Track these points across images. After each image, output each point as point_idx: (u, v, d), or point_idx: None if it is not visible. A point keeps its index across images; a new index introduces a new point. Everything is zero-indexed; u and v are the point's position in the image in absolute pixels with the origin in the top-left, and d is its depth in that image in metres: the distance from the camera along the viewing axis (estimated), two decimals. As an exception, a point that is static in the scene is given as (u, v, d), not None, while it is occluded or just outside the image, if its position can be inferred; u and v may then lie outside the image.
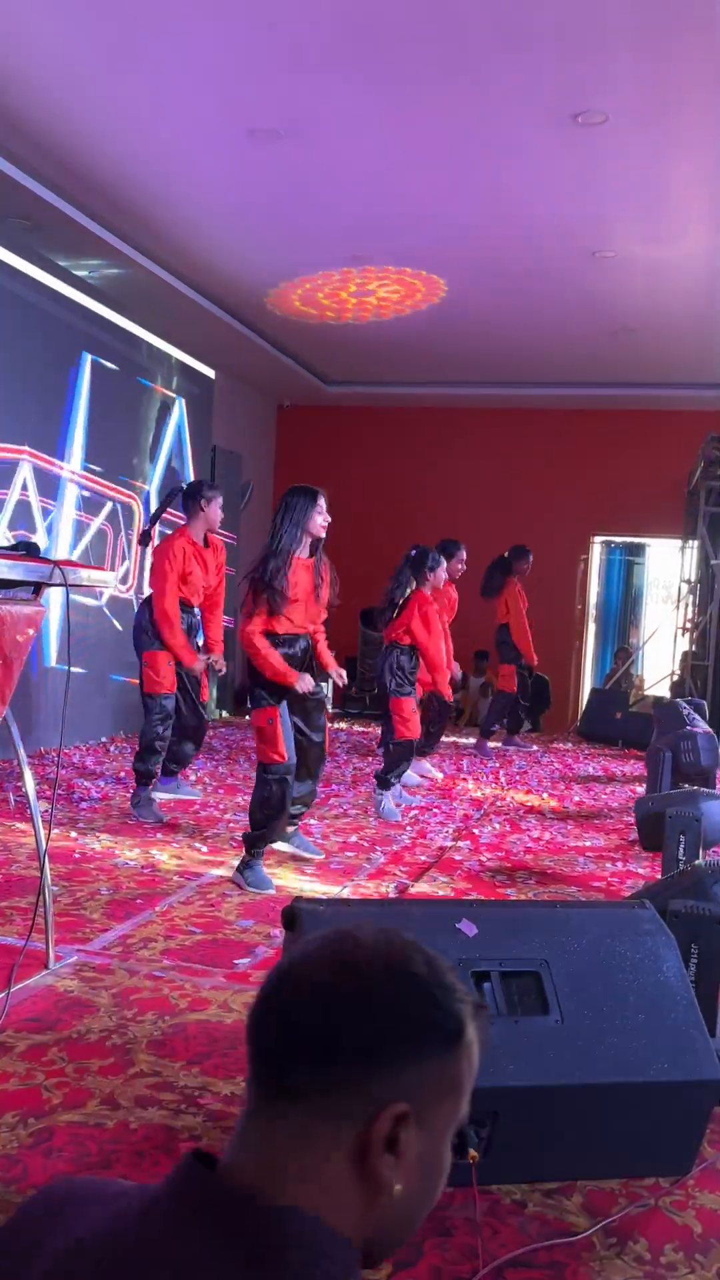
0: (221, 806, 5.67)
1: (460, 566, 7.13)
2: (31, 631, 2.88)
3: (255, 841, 4.19)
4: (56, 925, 3.24)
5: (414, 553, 6.05)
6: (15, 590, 2.82)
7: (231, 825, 5.15)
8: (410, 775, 6.60)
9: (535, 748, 8.90)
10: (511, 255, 7.65)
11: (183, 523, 5.56)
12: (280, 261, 8.03)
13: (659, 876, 4.50)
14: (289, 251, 7.81)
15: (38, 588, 2.89)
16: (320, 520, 4.24)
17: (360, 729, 9.42)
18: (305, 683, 4.16)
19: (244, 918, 3.72)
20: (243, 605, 4.25)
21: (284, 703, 4.20)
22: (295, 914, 2.17)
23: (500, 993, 2.10)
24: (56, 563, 2.74)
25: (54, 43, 5.09)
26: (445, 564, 6.23)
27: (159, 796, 5.59)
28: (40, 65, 5.31)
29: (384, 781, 5.72)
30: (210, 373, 9.67)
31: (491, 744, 8.43)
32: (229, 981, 3.06)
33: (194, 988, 2.98)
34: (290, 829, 4.62)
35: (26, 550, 2.80)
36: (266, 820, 4.17)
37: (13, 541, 5.87)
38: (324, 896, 3.98)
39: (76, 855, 4.43)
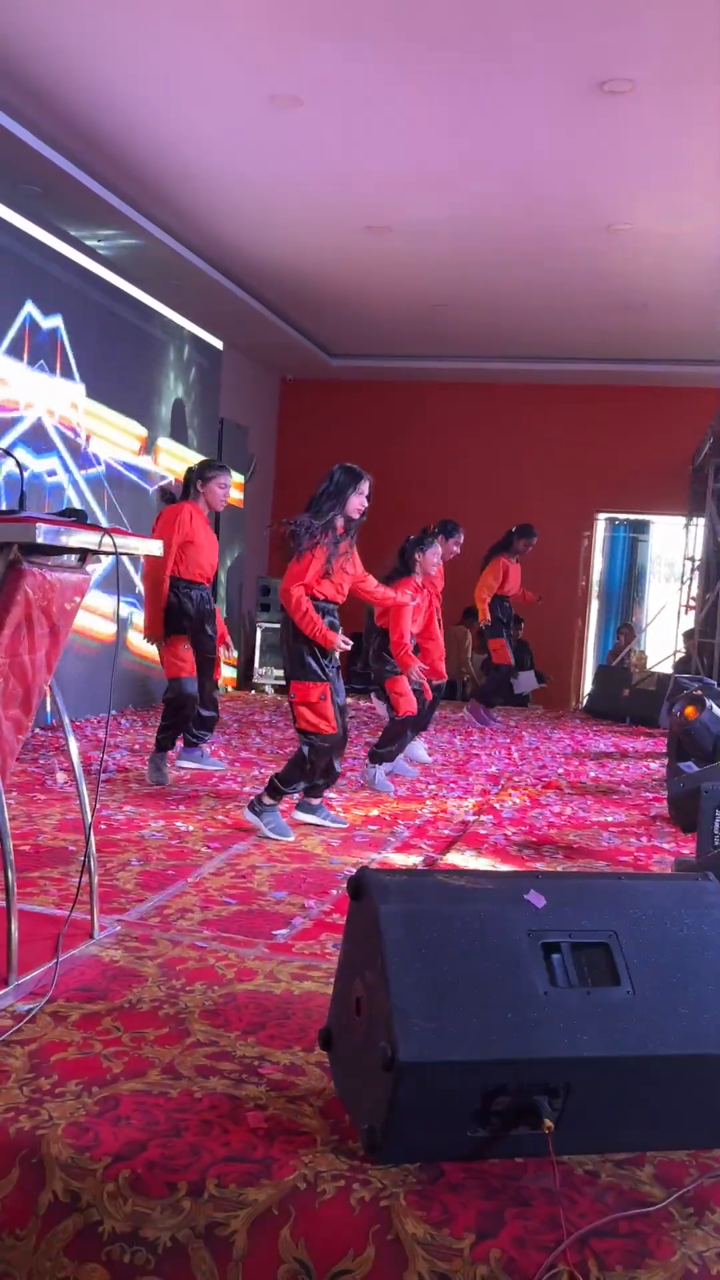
0: (240, 779, 5.65)
1: (455, 549, 6.99)
2: (78, 600, 2.85)
3: (280, 792, 4.37)
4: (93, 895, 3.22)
5: (410, 539, 6.04)
6: (62, 557, 2.79)
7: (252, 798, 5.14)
8: (420, 753, 6.58)
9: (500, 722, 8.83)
10: (526, 227, 7.59)
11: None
12: (290, 230, 7.94)
13: (684, 851, 4.51)
14: (300, 220, 7.72)
15: (84, 555, 2.86)
16: (358, 502, 4.38)
17: (367, 704, 9.40)
18: (340, 644, 4.27)
19: (276, 889, 3.71)
20: (288, 571, 4.34)
21: (336, 680, 4.34)
22: (363, 883, 2.15)
23: (571, 964, 2.09)
24: (107, 530, 2.70)
25: (70, 5, 4.99)
26: (437, 549, 6.08)
27: (186, 765, 5.79)
28: (56, 28, 5.22)
29: (378, 755, 5.70)
30: (219, 344, 9.58)
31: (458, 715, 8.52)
32: (272, 952, 3.05)
33: (238, 958, 2.97)
34: (316, 800, 4.66)
35: (74, 517, 2.76)
36: (302, 778, 4.38)
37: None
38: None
39: (103, 826, 4.41)
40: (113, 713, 7.65)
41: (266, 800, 4.39)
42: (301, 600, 4.25)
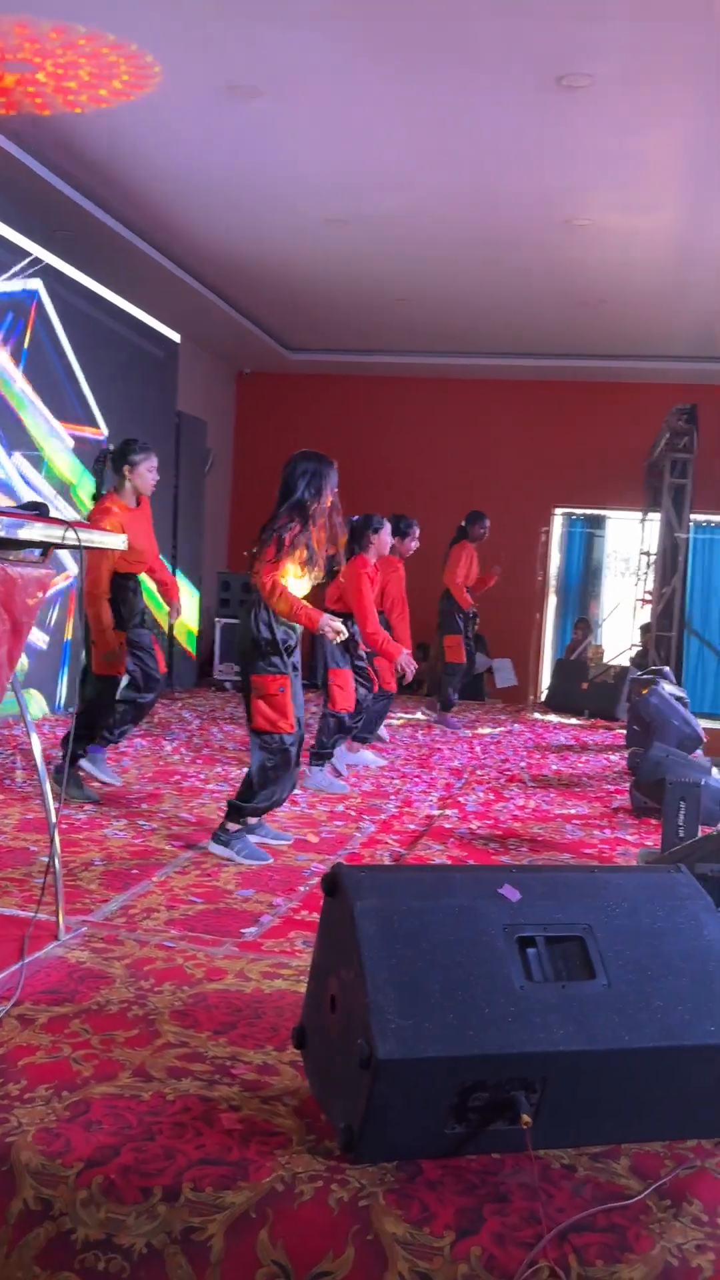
0: (203, 776, 5.61)
1: (413, 544, 6.89)
2: (41, 595, 2.80)
3: (246, 812, 4.07)
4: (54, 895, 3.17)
5: (355, 519, 5.88)
6: (24, 552, 2.74)
7: (215, 794, 5.10)
8: (371, 757, 6.50)
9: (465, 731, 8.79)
10: (485, 221, 7.59)
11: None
12: (247, 221, 7.88)
13: (647, 843, 4.54)
14: (257, 212, 7.67)
15: (46, 550, 2.81)
16: (333, 492, 4.16)
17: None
18: (328, 625, 4.03)
19: (243, 887, 3.68)
20: (262, 557, 4.01)
21: (295, 673, 4.11)
22: (337, 879, 2.13)
23: (546, 958, 2.08)
24: (70, 524, 2.65)
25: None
26: (389, 528, 6.03)
27: (84, 767, 5.15)
28: (7, 15, 5.12)
29: (319, 756, 5.56)
30: (175, 336, 9.50)
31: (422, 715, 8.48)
32: (241, 950, 3.02)
33: (207, 957, 2.93)
34: (254, 820, 4.32)
35: (36, 510, 2.71)
36: (265, 789, 4.04)
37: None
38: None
39: (64, 826, 4.35)
40: (71, 710, 7.55)
41: (231, 827, 4.06)
42: (277, 584, 3.96)
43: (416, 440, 11.95)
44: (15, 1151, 1.91)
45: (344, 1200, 1.82)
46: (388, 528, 6.00)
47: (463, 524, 8.48)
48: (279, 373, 12.37)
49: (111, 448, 5.20)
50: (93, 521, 4.95)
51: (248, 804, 4.06)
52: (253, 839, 4.30)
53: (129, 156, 6.78)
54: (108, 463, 5.11)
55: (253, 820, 4.26)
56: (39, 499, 2.89)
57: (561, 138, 6.21)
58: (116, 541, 2.99)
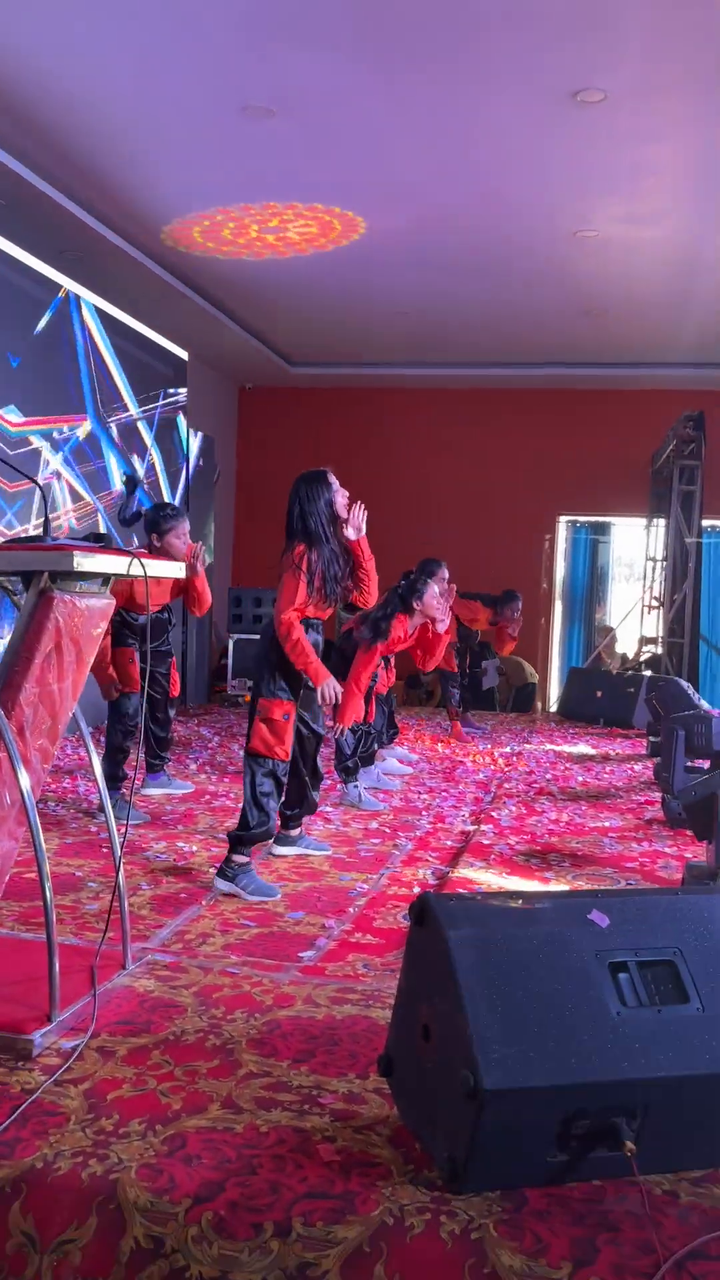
0: (233, 795, 5.60)
1: (441, 585, 6.71)
2: (103, 625, 2.80)
3: (247, 841, 3.89)
4: (111, 923, 3.16)
5: (402, 584, 5.68)
6: (88, 583, 2.74)
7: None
8: (395, 765, 6.53)
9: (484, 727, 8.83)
10: (493, 234, 7.62)
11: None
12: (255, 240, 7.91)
13: (688, 856, 4.55)
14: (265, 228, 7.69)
15: (107, 580, 2.81)
16: (340, 500, 4.10)
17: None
18: (329, 689, 3.99)
19: (292, 909, 3.68)
20: (281, 593, 4.01)
21: (314, 705, 4.10)
22: (427, 908, 2.13)
23: (639, 983, 2.09)
24: (134, 554, 2.66)
25: (40, 12, 4.92)
26: (434, 589, 5.68)
27: (152, 793, 5.51)
28: (24, 37, 5.14)
29: (346, 770, 5.53)
30: (183, 354, 9.51)
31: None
32: (305, 975, 3.02)
33: (273, 983, 2.93)
34: (295, 831, 4.43)
35: (100, 542, 2.71)
36: (260, 814, 3.92)
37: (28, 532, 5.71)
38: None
39: (104, 850, 4.34)
40: (89, 731, 7.53)
41: (237, 860, 3.86)
42: (292, 629, 3.92)
43: (420, 451, 11.96)
44: (121, 1189, 1.91)
45: (455, 1232, 1.82)
46: (433, 588, 5.66)
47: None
48: (282, 386, 12.39)
49: (137, 474, 5.29)
50: None
51: (247, 833, 3.90)
52: (293, 850, 4.39)
53: (140, 177, 6.79)
54: (141, 516, 5.19)
55: (294, 832, 4.39)
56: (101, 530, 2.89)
57: (573, 152, 6.25)
58: (175, 570, 2.99)
